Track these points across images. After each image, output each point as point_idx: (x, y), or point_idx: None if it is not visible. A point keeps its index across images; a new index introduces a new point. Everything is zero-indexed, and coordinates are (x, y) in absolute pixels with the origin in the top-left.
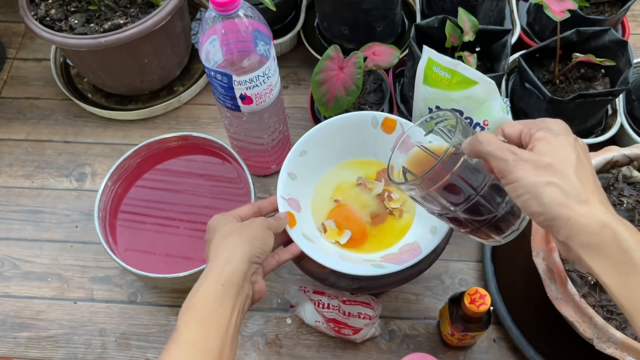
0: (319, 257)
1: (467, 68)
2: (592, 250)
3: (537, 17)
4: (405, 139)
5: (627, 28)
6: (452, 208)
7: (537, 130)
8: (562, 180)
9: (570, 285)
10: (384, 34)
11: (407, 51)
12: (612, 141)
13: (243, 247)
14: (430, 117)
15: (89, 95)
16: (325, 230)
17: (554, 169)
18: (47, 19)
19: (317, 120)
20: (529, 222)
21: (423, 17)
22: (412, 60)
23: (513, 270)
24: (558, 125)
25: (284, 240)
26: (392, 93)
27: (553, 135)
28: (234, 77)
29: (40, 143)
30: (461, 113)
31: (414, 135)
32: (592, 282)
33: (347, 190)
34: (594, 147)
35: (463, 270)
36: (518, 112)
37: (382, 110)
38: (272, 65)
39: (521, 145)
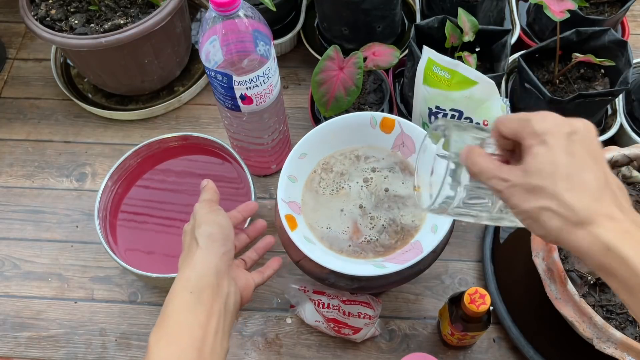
0: (322, 260)
1: (467, 68)
2: (601, 271)
3: (536, 17)
4: (420, 157)
5: (626, 28)
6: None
7: (526, 136)
8: (555, 203)
9: (570, 285)
10: (383, 34)
11: (407, 51)
12: (611, 141)
13: (201, 242)
14: (433, 128)
15: (90, 96)
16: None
17: (544, 191)
18: (48, 19)
19: (317, 120)
20: None
21: (423, 17)
22: (412, 60)
23: (513, 270)
24: (544, 125)
25: (268, 244)
26: (392, 93)
27: (539, 143)
28: (234, 77)
29: (41, 143)
30: (461, 113)
31: (428, 150)
32: (591, 282)
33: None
34: None
35: (463, 270)
36: (518, 113)
37: (382, 111)
38: (272, 65)
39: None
